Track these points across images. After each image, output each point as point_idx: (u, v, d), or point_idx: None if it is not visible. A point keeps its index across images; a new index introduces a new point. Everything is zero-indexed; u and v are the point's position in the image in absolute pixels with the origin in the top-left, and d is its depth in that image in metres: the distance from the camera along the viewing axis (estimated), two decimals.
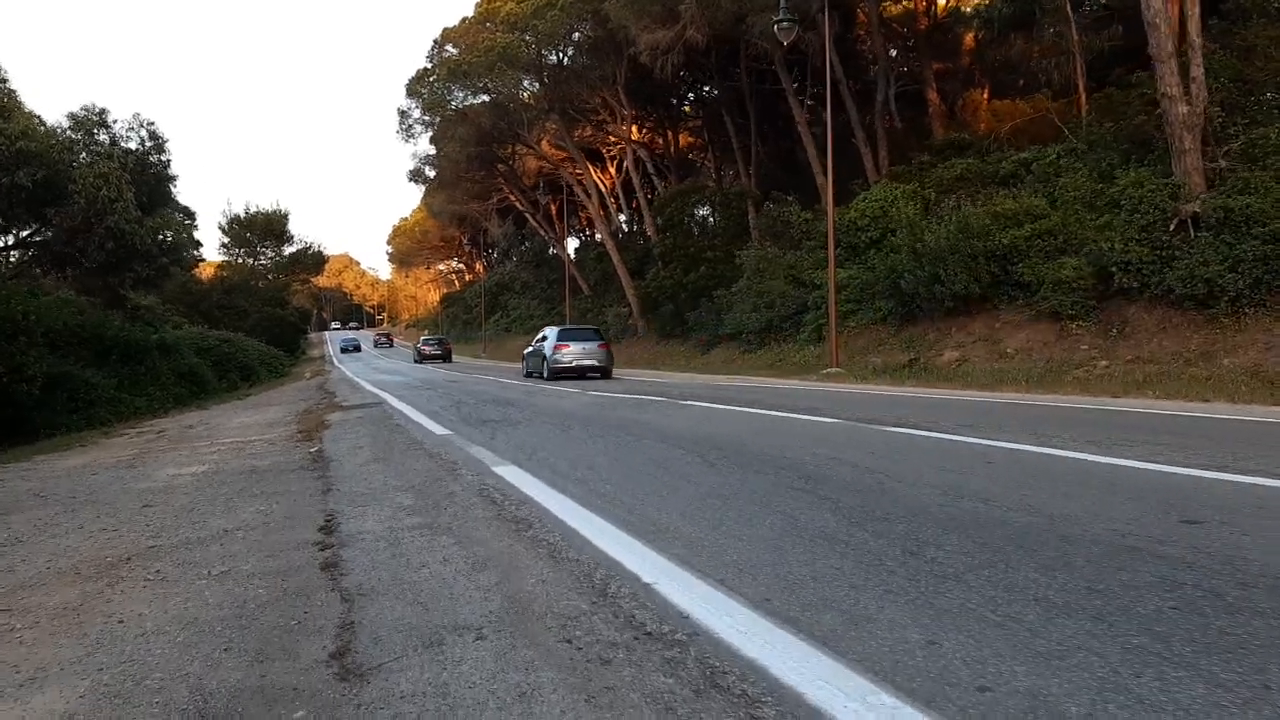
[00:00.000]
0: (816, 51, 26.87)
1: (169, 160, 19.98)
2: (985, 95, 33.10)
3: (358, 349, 69.06)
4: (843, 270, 22.92)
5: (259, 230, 54.91)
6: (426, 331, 72.01)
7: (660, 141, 45.38)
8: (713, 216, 35.67)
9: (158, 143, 19.56)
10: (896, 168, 28.03)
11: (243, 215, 55.14)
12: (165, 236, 18.55)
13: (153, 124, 19.75)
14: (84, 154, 16.98)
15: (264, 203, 70.66)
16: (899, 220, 21.94)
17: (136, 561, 4.09)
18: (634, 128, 36.07)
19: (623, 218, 50.98)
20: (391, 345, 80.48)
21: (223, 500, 5.69)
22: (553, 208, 56.00)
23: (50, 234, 17.83)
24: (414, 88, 36.72)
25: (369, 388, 20.36)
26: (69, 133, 18.20)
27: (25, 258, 19.44)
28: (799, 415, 9.62)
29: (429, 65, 36.45)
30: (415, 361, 47.65)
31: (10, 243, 18.52)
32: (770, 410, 10.38)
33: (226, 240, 55.63)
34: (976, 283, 17.63)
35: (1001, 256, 17.51)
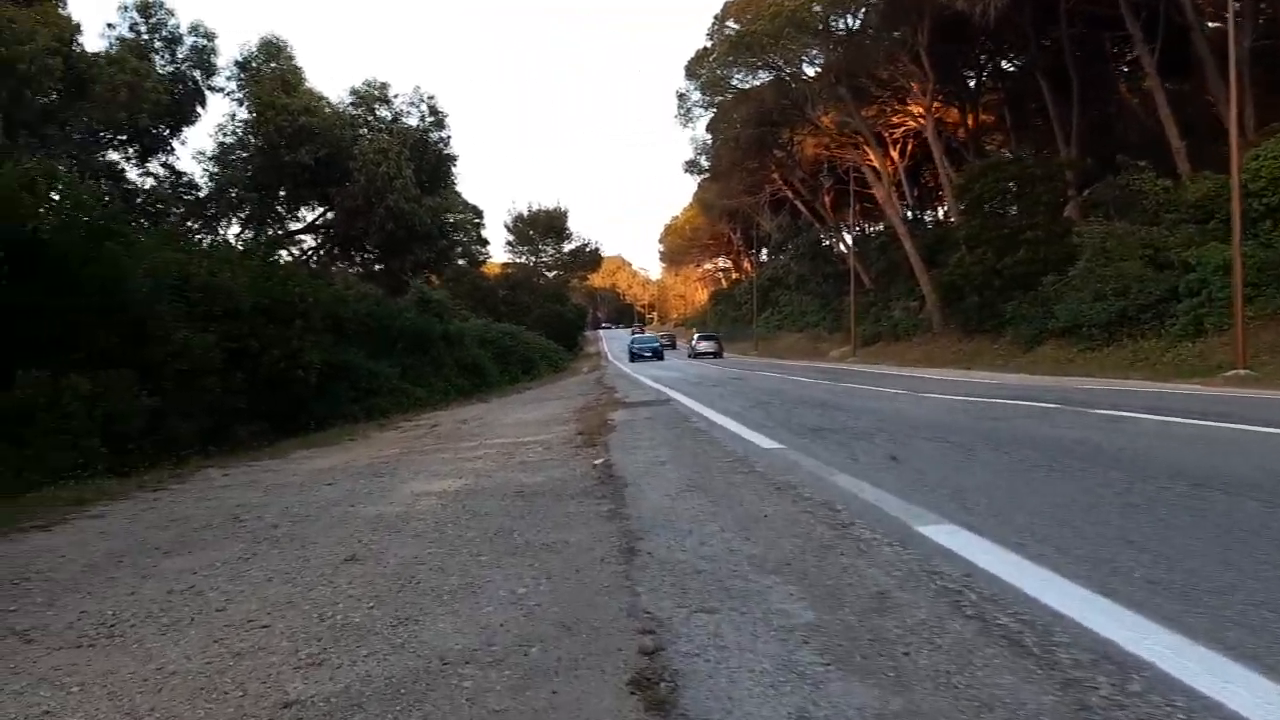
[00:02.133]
0: None
1: (449, 137, 19.37)
2: None
3: (658, 356, 44.38)
4: (1217, 246, 17.97)
5: (540, 227, 56.24)
6: (696, 330, 65.86)
7: (958, 115, 40.58)
8: (1015, 195, 30.57)
9: (438, 118, 18.89)
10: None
11: (525, 213, 56.81)
12: (447, 219, 17.82)
13: (433, 98, 19.13)
14: (364, 130, 16.52)
15: (545, 201, 73.33)
16: None
17: None
18: (934, 102, 31.91)
19: (904, 206, 46.55)
20: (674, 347, 62.15)
21: (460, 561, 3.45)
22: (827, 199, 52.51)
23: (333, 216, 17.71)
24: (693, 68, 34.99)
25: (649, 383, 18.50)
26: (350, 109, 17.96)
27: (316, 244, 19.67)
28: None
29: (709, 44, 34.58)
30: (690, 357, 44.99)
31: (298, 227, 18.72)
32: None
33: (511, 238, 57.58)
34: None
35: None
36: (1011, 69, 40.42)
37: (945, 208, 53.42)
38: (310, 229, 18.96)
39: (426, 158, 18.14)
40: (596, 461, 6.37)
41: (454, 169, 19.60)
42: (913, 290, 39.67)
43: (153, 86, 15.48)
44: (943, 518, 3.59)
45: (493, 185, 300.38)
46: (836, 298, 50.01)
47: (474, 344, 24.36)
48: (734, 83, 34.81)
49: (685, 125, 50.26)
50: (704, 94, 36.15)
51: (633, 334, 68.11)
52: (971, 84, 40.02)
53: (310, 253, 20.20)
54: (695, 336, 51.67)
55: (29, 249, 7.39)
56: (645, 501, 4.47)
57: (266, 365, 13.02)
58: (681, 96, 37.78)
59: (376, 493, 5.65)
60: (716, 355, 43.99)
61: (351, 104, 18.15)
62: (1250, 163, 18.13)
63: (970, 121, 40.15)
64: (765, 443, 6.56)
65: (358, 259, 19.37)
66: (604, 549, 3.45)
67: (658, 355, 43.65)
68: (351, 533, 4.21)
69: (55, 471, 6.97)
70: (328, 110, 17.15)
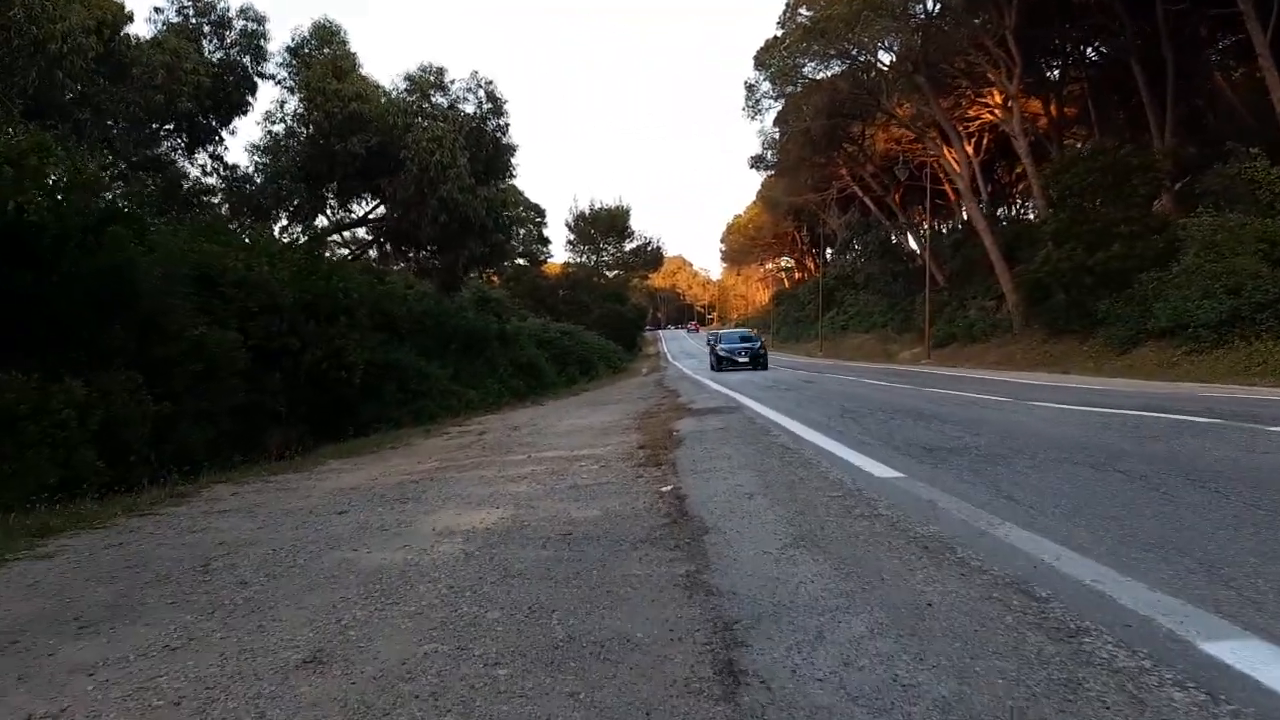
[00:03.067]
0: None
1: (507, 125, 18.12)
2: None
3: (757, 364, 28.81)
4: None
5: (602, 226, 55.18)
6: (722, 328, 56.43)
7: (1039, 106, 38.37)
8: (1109, 186, 28.31)
9: (496, 105, 17.60)
10: None
11: (587, 212, 55.81)
12: (503, 211, 16.67)
13: (491, 83, 17.78)
14: (419, 119, 15.49)
15: (606, 199, 72.27)
16: None
17: None
18: (1019, 89, 29.78)
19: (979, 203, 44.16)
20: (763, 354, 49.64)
21: (467, 679, 2.24)
22: (897, 195, 50.46)
23: (385, 209, 16.74)
24: (763, 58, 33.46)
25: (715, 386, 17.20)
26: (404, 95, 16.93)
27: (370, 239, 18.74)
28: None
29: (779, 33, 33.00)
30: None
31: (350, 219, 17.72)
32: None
33: (572, 237, 56.65)
34: None
35: None
36: (1095, 58, 38.17)
37: (1020, 204, 51.21)
38: (362, 222, 18.06)
39: (483, 146, 17.02)
40: (664, 489, 5.16)
41: (513, 160, 18.51)
42: (990, 289, 37.59)
43: (192, 68, 14.67)
44: (1224, 617, 2.28)
45: (556, 184, 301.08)
46: (906, 297, 47.92)
47: (530, 344, 23.36)
48: (805, 72, 33.18)
49: (753, 118, 48.52)
50: (773, 84, 34.55)
51: (709, 333, 58.43)
52: (1055, 74, 37.84)
53: (363, 248, 19.36)
54: (710, 337, 42.14)
55: (9, 231, 6.45)
56: (737, 562, 3.23)
57: (307, 365, 12.11)
58: (750, 88, 36.23)
59: (392, 528, 4.52)
60: (755, 365, 28.42)
61: (406, 90, 17.20)
62: None
63: (1054, 112, 37.96)
64: (876, 469, 5.25)
65: (411, 255, 18.39)
66: (686, 659, 2.23)
67: (757, 362, 28.57)
68: (335, 601, 3.06)
69: (39, 489, 5.99)
70: (382, 98, 16.21)
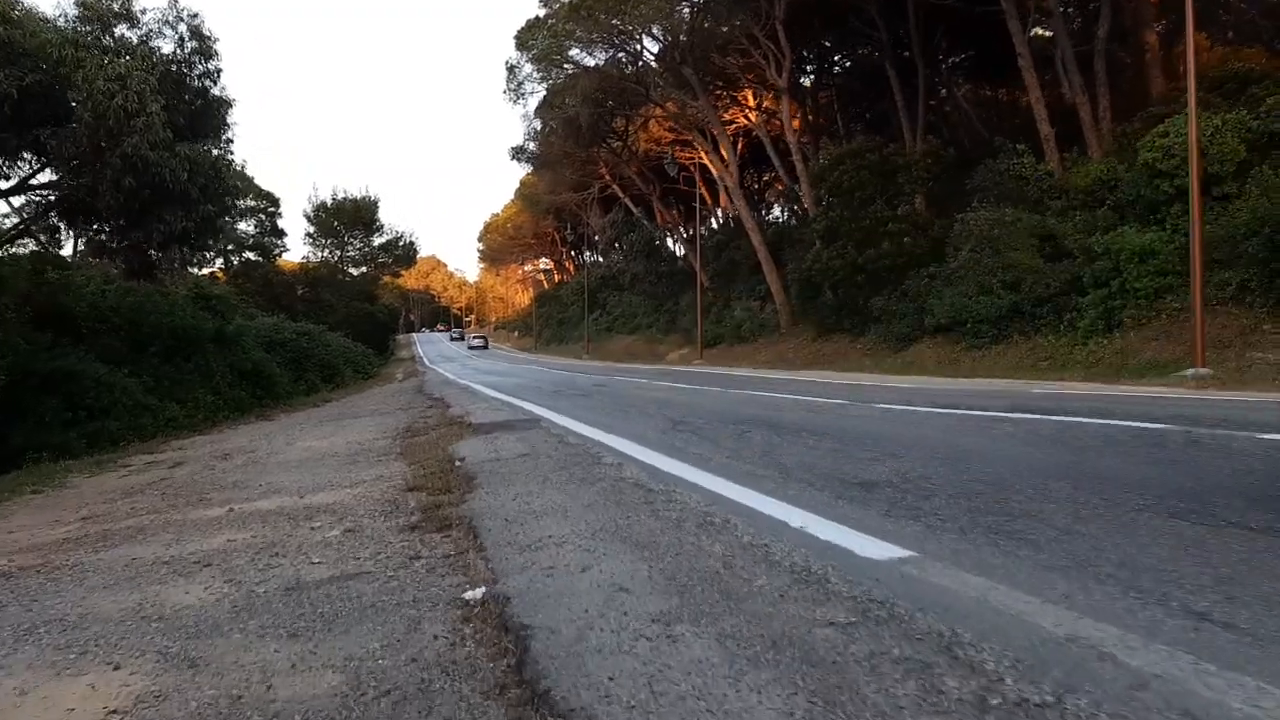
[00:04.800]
0: None
1: (219, 70, 14.01)
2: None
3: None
4: (1130, 232, 16.38)
5: (347, 218, 50.04)
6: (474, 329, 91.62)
7: (798, 111, 38.95)
8: (878, 184, 28.54)
9: (203, 45, 13.44)
10: (1122, 126, 21.31)
11: (329, 202, 50.53)
12: (218, 181, 12.83)
13: (195, 17, 13.88)
14: (95, 52, 11.46)
15: (352, 190, 66.32)
16: (1226, 158, 15.35)
17: None
18: (788, 83, 29.28)
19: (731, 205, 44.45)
20: (486, 347, 71.56)
21: None
22: (654, 197, 49.95)
23: (51, 170, 12.56)
24: (525, 38, 30.88)
25: (490, 392, 14.61)
26: (76, 25, 12.70)
27: (37, 210, 14.18)
28: None
29: (542, 13, 30.59)
30: (469, 349, 68.26)
31: (7, 187, 13.18)
32: None
33: (312, 230, 50.97)
34: None
35: None
36: (848, 64, 39.35)
37: (769, 209, 52.34)
38: (22, 188, 13.57)
39: (186, 95, 13.13)
40: (470, 595, 2.72)
41: (229, 119, 14.55)
42: (754, 289, 37.67)
43: None
44: None
45: (296, 174, 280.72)
46: (670, 298, 47.47)
47: (257, 347, 19.54)
48: (572, 55, 31.09)
49: (515, 101, 45.51)
50: (537, 66, 32.14)
51: (452, 336, 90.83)
52: (809, 79, 38.65)
53: (30, 223, 14.70)
54: (470, 335, 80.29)
55: None
56: None
57: None
58: (512, 69, 33.48)
59: None
60: (484, 348, 69.27)
61: (78, 18, 12.98)
62: (1158, 140, 16.54)
63: (810, 117, 38.75)
64: (838, 534, 3.09)
65: (94, 230, 14.11)
66: None
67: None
68: None
69: None
70: (39, 22, 12.01)
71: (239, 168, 21.66)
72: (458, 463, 6.03)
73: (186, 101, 13.43)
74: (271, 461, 7.62)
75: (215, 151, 14.16)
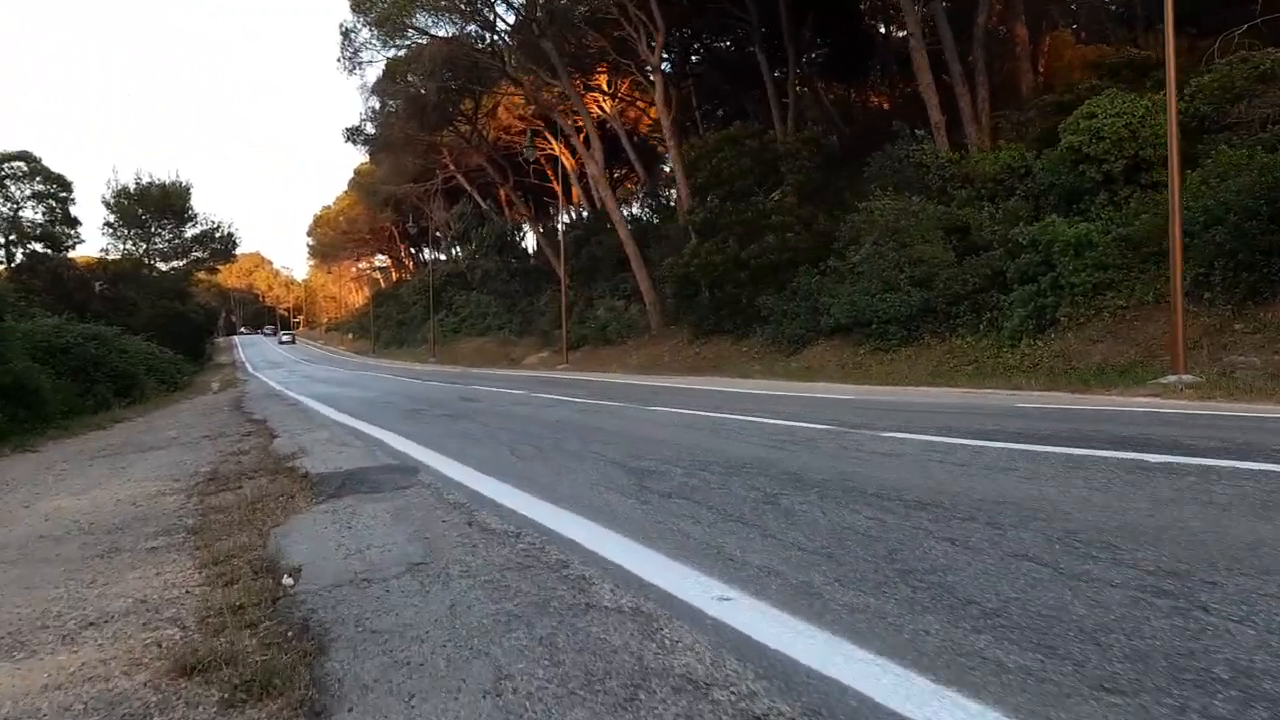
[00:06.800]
0: None
1: None
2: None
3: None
4: (1061, 222, 14.92)
5: (154, 205, 43.92)
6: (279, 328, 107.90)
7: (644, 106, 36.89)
8: (757, 174, 26.77)
9: None
10: (1001, 113, 20.57)
11: (132, 188, 44.22)
12: None
13: None
14: None
15: (160, 174, 59.02)
16: (1160, 141, 14.12)
17: None
18: (659, 60, 26.97)
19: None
20: (294, 342, 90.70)
21: None
22: (501, 191, 46.85)
23: None
24: (361, 2, 27.14)
25: (327, 411, 11.36)
26: None
27: None
28: None
29: None
30: (279, 344, 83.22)
31: None
32: None
33: (113, 219, 44.50)
34: None
35: None
36: (699, 59, 37.71)
37: (636, 204, 50.20)
38: None
39: None
40: None
41: None
42: (618, 288, 35.28)
43: None
44: None
45: (95, 159, 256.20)
46: (525, 297, 44.46)
47: (22, 354, 15.30)
48: (417, 21, 27.50)
49: (351, 72, 41.19)
50: (377, 32, 28.35)
51: (281, 340, 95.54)
52: (670, 66, 36.67)
53: None
54: (281, 334, 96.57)
55: None
56: None
57: None
58: (347, 34, 29.27)
59: None
60: (291, 343, 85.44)
61: None
62: (1082, 122, 15.20)
63: (674, 108, 36.74)
64: None
65: None
66: None
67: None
68: None
69: None
70: None
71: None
72: (287, 583, 3.16)
73: None
74: None
75: None
